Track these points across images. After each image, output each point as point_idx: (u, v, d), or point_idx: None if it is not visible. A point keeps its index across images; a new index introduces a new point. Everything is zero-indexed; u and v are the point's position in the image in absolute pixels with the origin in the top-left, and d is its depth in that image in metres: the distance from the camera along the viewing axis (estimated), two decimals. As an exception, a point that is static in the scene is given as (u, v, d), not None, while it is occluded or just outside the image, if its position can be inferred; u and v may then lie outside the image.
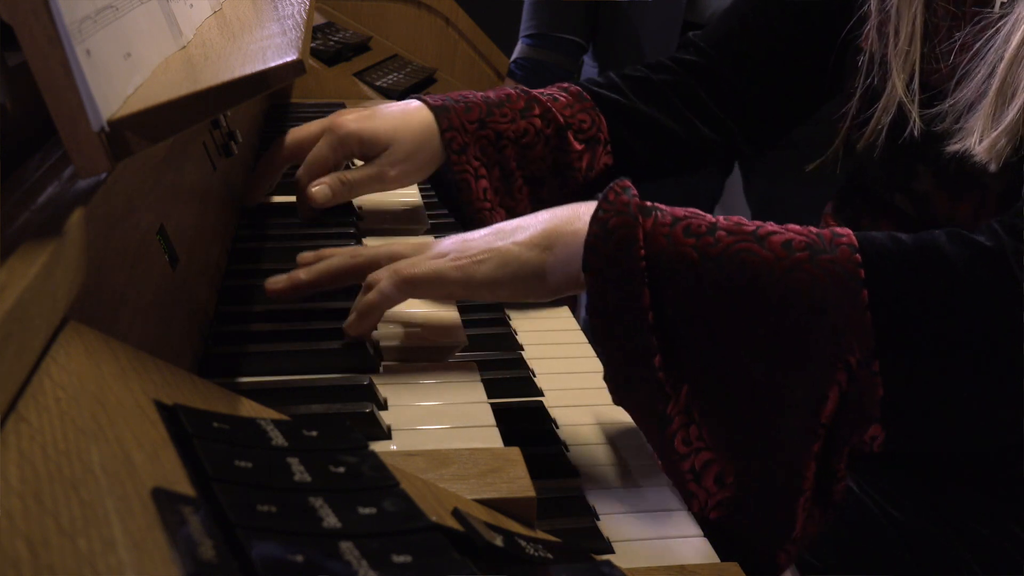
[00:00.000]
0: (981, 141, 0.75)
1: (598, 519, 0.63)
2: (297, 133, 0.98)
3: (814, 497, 0.65)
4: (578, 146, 0.98)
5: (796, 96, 1.05)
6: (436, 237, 0.93)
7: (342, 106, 1.50)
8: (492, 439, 0.64)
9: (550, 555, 0.47)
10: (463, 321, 0.81)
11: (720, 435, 0.66)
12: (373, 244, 0.89)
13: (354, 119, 0.95)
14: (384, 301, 0.72)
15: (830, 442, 0.64)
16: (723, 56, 1.05)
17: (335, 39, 1.66)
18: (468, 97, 0.97)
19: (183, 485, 0.37)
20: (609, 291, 0.66)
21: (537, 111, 0.97)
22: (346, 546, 0.36)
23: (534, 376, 0.81)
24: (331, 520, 0.38)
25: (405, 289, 0.72)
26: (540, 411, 0.75)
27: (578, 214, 0.70)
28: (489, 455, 0.58)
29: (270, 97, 1.51)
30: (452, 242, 0.74)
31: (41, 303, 0.40)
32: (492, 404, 0.69)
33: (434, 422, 0.65)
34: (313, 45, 1.57)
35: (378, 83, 1.62)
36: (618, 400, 0.69)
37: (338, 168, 0.96)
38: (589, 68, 1.84)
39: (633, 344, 0.66)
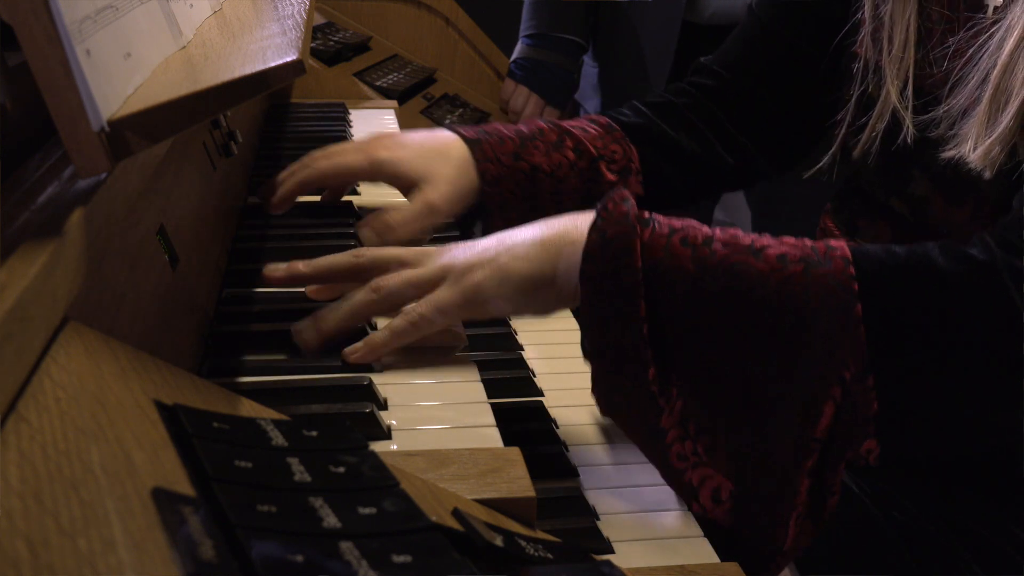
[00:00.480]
0: (975, 148, 0.75)
1: (598, 519, 0.63)
2: (340, 164, 0.95)
3: (807, 512, 0.64)
4: (611, 177, 0.99)
5: (813, 109, 1.03)
6: (434, 236, 0.94)
7: (342, 106, 1.50)
8: (492, 439, 0.64)
9: (550, 555, 0.47)
10: (463, 321, 0.81)
11: (716, 450, 0.65)
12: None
13: (389, 146, 0.94)
14: (425, 326, 0.72)
15: (825, 457, 0.64)
16: (737, 77, 1.05)
17: (335, 39, 1.66)
18: (501, 130, 0.97)
19: (183, 485, 0.37)
20: (605, 301, 0.66)
21: (570, 144, 0.98)
22: (346, 546, 0.36)
23: (534, 376, 0.81)
24: (331, 520, 0.38)
25: (441, 319, 0.72)
26: (540, 411, 0.75)
27: (576, 224, 0.70)
28: (489, 455, 0.58)
29: (270, 97, 1.51)
30: (455, 257, 0.73)
31: (41, 303, 0.40)
32: (492, 404, 0.69)
33: (434, 422, 0.66)
34: (313, 45, 1.57)
35: (378, 83, 1.62)
36: (608, 411, 0.69)
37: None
38: (589, 68, 1.84)
39: (627, 355, 0.66)
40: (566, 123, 1.00)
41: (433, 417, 0.66)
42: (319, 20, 1.73)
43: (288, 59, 0.62)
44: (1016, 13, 0.76)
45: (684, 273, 0.65)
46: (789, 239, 0.67)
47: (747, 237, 0.68)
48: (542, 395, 0.78)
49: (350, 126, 1.40)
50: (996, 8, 0.79)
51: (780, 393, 0.64)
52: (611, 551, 0.60)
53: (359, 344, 0.72)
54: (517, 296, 0.70)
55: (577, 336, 0.91)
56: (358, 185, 1.11)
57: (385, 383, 0.70)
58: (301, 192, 0.96)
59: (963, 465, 0.89)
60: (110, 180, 0.52)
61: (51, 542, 0.29)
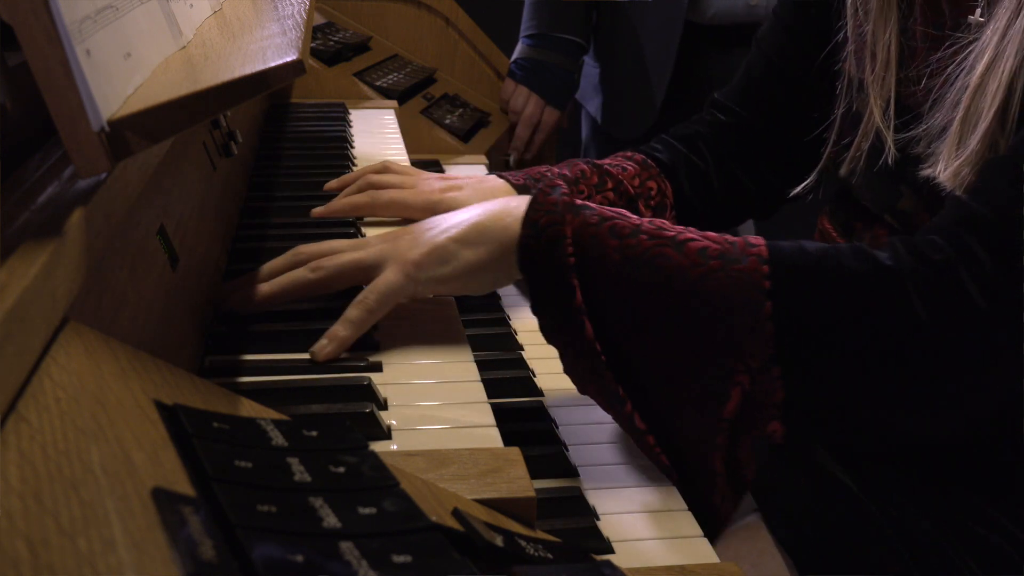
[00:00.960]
0: (946, 169, 0.77)
1: (598, 519, 0.63)
2: (402, 205, 0.98)
3: (728, 482, 0.70)
4: (647, 214, 1.02)
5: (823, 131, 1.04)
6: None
7: (342, 106, 1.50)
8: (492, 439, 0.64)
9: (550, 555, 0.47)
10: (463, 321, 0.81)
11: (649, 421, 0.70)
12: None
13: (442, 189, 0.98)
14: (378, 309, 0.75)
15: (733, 435, 0.69)
16: (750, 112, 1.08)
17: (335, 39, 1.66)
18: (547, 176, 1.00)
19: (183, 485, 0.37)
20: (545, 288, 0.70)
21: (610, 185, 1.01)
22: (346, 546, 0.36)
23: (534, 376, 0.81)
24: (331, 520, 0.38)
25: (391, 299, 0.75)
26: (540, 411, 0.75)
27: (508, 209, 0.74)
28: (489, 455, 0.58)
29: (270, 97, 1.51)
30: (397, 240, 0.77)
31: (41, 303, 0.40)
32: (492, 404, 0.69)
33: (434, 422, 0.66)
34: (313, 45, 1.57)
35: (378, 83, 1.62)
36: (582, 389, 0.72)
37: None
38: (590, 68, 1.84)
39: (576, 337, 0.70)
40: (605, 163, 1.04)
41: (433, 417, 0.66)
42: (319, 20, 1.73)
43: (288, 59, 0.62)
44: (987, 35, 0.76)
45: (610, 262, 0.69)
46: (712, 235, 0.71)
47: (673, 229, 0.72)
48: (542, 395, 0.78)
49: (350, 126, 1.40)
50: (975, 26, 0.79)
51: (692, 376, 0.68)
52: (611, 551, 0.60)
53: (324, 341, 0.73)
54: (458, 277, 0.75)
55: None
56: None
57: (385, 383, 0.70)
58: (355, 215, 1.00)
59: (963, 464, 0.89)
60: (110, 180, 0.52)
61: (51, 542, 0.29)
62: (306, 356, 0.72)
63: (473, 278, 0.75)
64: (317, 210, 0.99)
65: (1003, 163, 0.73)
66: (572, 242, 0.69)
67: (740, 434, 0.69)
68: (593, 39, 1.81)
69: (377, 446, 0.58)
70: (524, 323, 0.93)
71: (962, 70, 0.78)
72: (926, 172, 0.80)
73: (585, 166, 1.02)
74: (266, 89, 0.63)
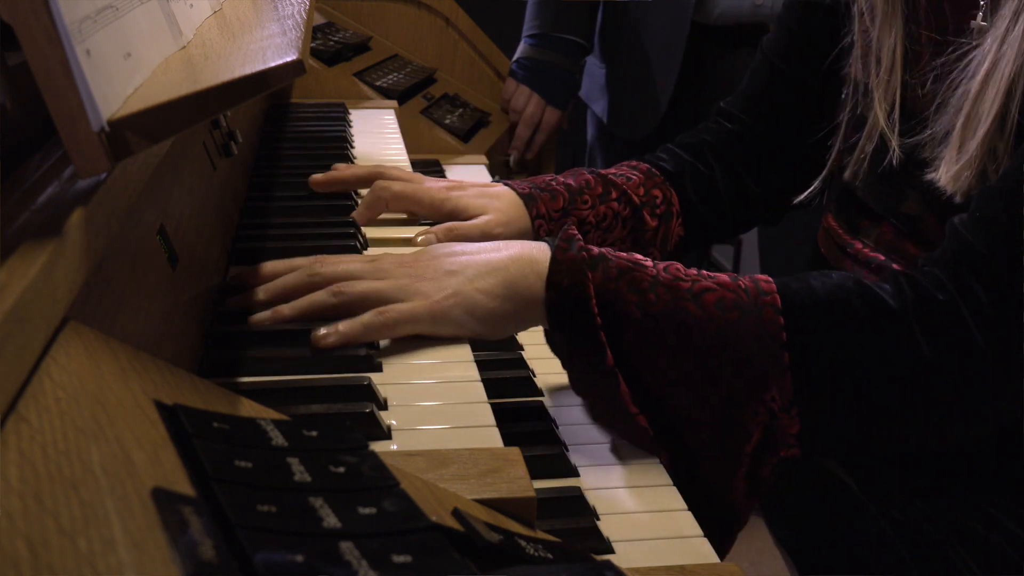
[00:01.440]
0: (947, 172, 0.78)
1: (598, 519, 0.63)
2: (411, 198, 1.00)
3: (749, 495, 0.75)
4: (652, 223, 1.03)
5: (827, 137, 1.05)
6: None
7: (342, 106, 1.50)
8: (492, 439, 0.64)
9: (550, 555, 0.47)
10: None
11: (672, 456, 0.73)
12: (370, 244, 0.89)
13: (447, 187, 1.00)
14: (397, 329, 0.74)
15: (753, 464, 0.73)
16: (756, 119, 1.09)
17: (335, 39, 1.66)
18: (552, 185, 1.01)
19: (183, 485, 0.37)
20: (577, 346, 0.72)
21: (615, 195, 1.02)
22: (346, 546, 0.36)
23: (534, 376, 0.81)
24: (331, 520, 0.38)
25: (409, 328, 0.75)
26: (540, 411, 0.75)
27: (532, 264, 0.75)
28: (489, 455, 0.58)
29: (270, 97, 1.51)
30: (421, 278, 0.76)
31: (41, 303, 0.40)
32: (492, 404, 0.69)
33: (434, 422, 0.65)
34: (313, 45, 1.57)
35: (378, 83, 1.62)
36: (594, 418, 0.76)
37: None
38: (596, 69, 1.84)
39: (601, 381, 0.72)
40: (610, 172, 1.05)
41: (433, 417, 0.66)
42: (319, 20, 1.73)
43: (288, 59, 0.62)
44: (988, 42, 0.77)
45: (632, 319, 0.72)
46: (724, 279, 0.74)
47: (687, 280, 0.74)
48: (542, 395, 0.78)
49: (350, 126, 1.40)
50: (978, 31, 0.80)
51: (718, 420, 0.72)
52: (611, 551, 0.60)
53: (326, 331, 0.72)
54: (484, 325, 0.75)
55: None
56: (357, 192, 1.12)
57: (385, 383, 0.70)
58: (352, 188, 1.06)
59: (963, 464, 0.89)
60: (110, 180, 0.52)
61: (51, 542, 0.29)
62: (306, 356, 0.72)
63: (499, 329, 0.76)
64: (315, 177, 1.03)
65: (1001, 193, 0.75)
66: (596, 302, 0.71)
67: (760, 463, 0.73)
68: (599, 40, 1.81)
69: (377, 446, 0.58)
70: (524, 323, 0.93)
71: (965, 75, 0.79)
72: (930, 176, 0.82)
73: (590, 176, 1.02)
74: (266, 89, 0.63)
